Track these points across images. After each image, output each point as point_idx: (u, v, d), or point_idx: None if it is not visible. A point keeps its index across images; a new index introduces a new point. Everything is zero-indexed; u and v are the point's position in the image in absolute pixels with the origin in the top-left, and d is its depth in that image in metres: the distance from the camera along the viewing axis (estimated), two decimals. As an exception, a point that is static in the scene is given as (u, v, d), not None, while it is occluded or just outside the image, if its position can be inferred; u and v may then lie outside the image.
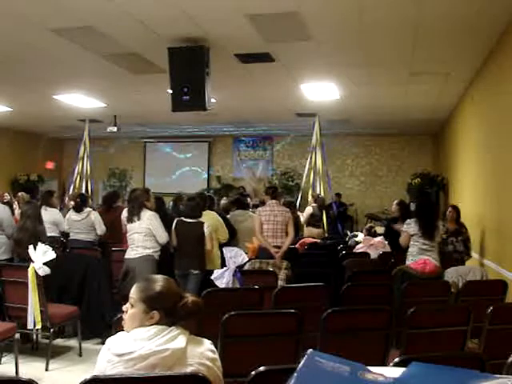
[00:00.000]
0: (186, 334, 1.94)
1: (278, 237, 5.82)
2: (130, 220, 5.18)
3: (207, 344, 1.99)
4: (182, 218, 5.41)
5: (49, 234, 6.23)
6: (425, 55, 6.23)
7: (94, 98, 9.32)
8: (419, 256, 5.09)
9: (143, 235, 5.09)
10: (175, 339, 1.88)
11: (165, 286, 2.01)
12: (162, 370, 1.84)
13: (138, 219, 5.12)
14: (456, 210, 6.48)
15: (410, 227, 5.21)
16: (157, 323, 1.94)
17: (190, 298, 2.00)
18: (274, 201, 6.04)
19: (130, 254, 5.13)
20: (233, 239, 6.09)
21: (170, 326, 1.92)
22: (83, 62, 6.75)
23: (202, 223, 5.32)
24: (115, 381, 1.82)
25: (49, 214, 6.45)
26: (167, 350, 1.85)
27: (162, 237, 5.15)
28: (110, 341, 1.94)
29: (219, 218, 5.85)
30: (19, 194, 9.90)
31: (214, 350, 2.01)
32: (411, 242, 5.21)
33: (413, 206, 10.60)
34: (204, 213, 5.62)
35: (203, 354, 1.93)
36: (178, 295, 2.01)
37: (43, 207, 6.36)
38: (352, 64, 6.72)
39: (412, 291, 4.25)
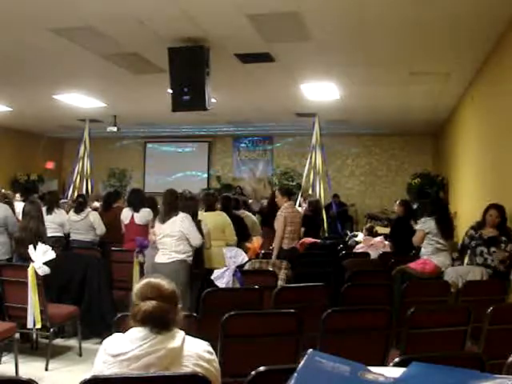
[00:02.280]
0: (181, 334, 1.93)
1: (295, 238, 5.88)
2: (162, 221, 4.84)
3: (204, 345, 1.98)
4: None
5: (54, 235, 6.27)
6: (425, 55, 6.23)
7: (93, 98, 9.32)
8: (435, 256, 5.06)
9: (176, 239, 4.75)
10: (170, 339, 1.88)
11: (137, 285, 2.00)
12: (157, 371, 1.83)
13: (170, 219, 4.79)
14: (500, 211, 4.83)
15: (425, 225, 5.15)
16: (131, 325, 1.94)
17: (141, 304, 1.92)
18: (291, 202, 6.08)
19: (162, 258, 4.78)
20: (246, 241, 6.09)
21: (151, 329, 1.89)
22: (83, 62, 6.75)
23: (200, 221, 5.29)
24: (115, 381, 1.82)
25: (58, 217, 6.50)
26: (161, 349, 1.84)
27: (196, 239, 4.80)
28: (107, 341, 1.94)
29: (227, 219, 5.72)
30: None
31: (212, 351, 2.00)
32: (425, 242, 5.16)
33: (413, 207, 10.64)
34: (214, 213, 5.61)
35: (199, 355, 1.92)
36: (139, 297, 1.94)
37: (54, 210, 6.43)
38: (352, 64, 6.72)
39: (412, 291, 4.24)
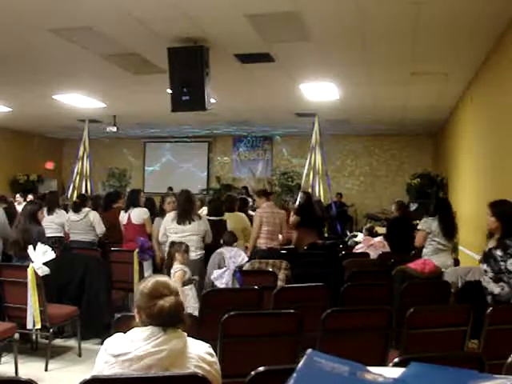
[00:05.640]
0: (183, 335, 1.93)
1: (274, 239, 5.92)
2: (181, 222, 5.21)
3: (205, 347, 1.98)
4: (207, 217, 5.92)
5: (54, 235, 6.28)
6: (425, 55, 6.23)
7: (93, 98, 9.32)
8: (435, 256, 5.05)
9: (200, 236, 5.25)
10: (172, 340, 1.87)
11: (145, 285, 1.99)
12: (158, 371, 1.83)
13: (193, 221, 5.24)
14: (495, 211, 3.85)
15: (426, 225, 5.14)
16: (143, 323, 1.93)
17: (160, 302, 1.91)
18: (270, 202, 6.18)
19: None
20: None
21: (164, 327, 1.89)
22: (83, 62, 6.75)
23: (225, 221, 5.87)
24: (115, 381, 1.82)
25: (58, 217, 6.51)
26: (163, 350, 1.84)
27: (210, 238, 5.40)
28: (108, 342, 1.94)
29: (246, 220, 6.39)
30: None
31: (213, 353, 2.00)
32: (426, 242, 5.14)
33: (413, 207, 10.64)
34: (231, 214, 6.23)
35: (200, 356, 1.92)
36: (152, 297, 1.93)
37: (55, 210, 6.45)
38: (352, 64, 6.72)
39: (412, 291, 4.24)
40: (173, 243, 4.61)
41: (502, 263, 3.61)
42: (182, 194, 5.50)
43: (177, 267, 4.35)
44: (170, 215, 5.40)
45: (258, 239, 5.92)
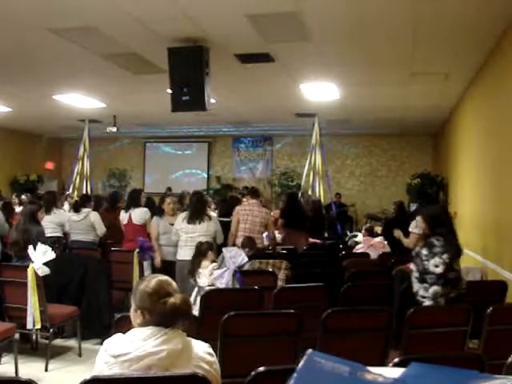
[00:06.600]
0: (182, 335, 1.92)
1: (254, 237, 5.92)
2: (192, 222, 5.31)
3: (205, 347, 1.98)
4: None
5: (53, 235, 6.29)
6: (425, 55, 6.23)
7: (93, 98, 9.32)
8: None
9: (210, 237, 5.28)
10: (171, 340, 1.87)
11: (147, 285, 1.96)
12: (158, 372, 1.83)
13: (202, 221, 5.33)
14: (422, 216, 3.98)
15: (418, 227, 5.13)
16: (146, 323, 1.91)
17: (171, 299, 1.90)
18: (254, 200, 6.17)
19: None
20: None
21: (165, 327, 1.88)
22: (83, 62, 6.75)
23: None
24: (115, 381, 1.82)
25: (57, 217, 6.52)
26: (162, 351, 1.83)
27: (221, 238, 5.49)
28: (107, 342, 1.93)
29: None
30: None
31: (213, 353, 2.00)
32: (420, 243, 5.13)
33: (413, 207, 10.63)
34: None
35: (200, 356, 1.92)
36: (159, 295, 1.92)
37: (53, 209, 6.47)
38: (352, 64, 6.72)
39: (412, 291, 4.23)
40: (201, 243, 4.66)
41: (426, 262, 3.65)
42: (194, 195, 5.63)
43: (213, 265, 4.50)
44: (182, 215, 5.51)
45: (236, 237, 5.94)
